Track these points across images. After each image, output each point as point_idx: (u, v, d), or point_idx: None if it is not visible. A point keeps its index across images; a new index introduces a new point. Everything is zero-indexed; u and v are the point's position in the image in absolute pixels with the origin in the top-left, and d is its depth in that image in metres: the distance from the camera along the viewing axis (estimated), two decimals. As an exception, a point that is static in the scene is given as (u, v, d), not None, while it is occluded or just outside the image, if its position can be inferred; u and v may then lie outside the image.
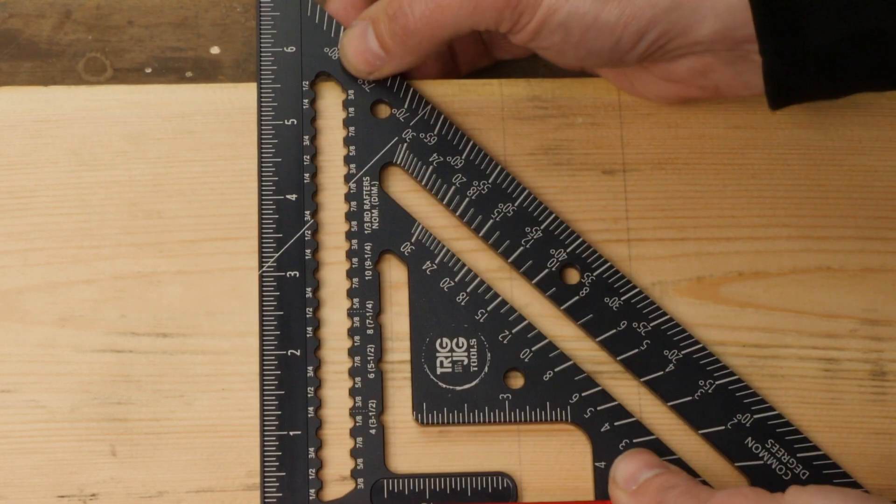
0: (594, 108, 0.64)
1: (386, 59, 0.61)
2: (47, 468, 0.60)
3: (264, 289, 0.61)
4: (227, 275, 0.62)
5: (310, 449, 0.60)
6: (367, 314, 0.61)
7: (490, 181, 0.62)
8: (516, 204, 0.62)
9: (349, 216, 0.62)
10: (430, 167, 0.62)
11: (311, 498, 0.59)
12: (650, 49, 0.59)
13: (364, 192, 0.62)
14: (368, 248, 0.62)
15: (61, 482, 0.60)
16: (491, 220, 0.62)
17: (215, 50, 0.68)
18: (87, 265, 0.62)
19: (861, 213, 0.63)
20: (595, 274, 0.62)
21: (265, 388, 0.60)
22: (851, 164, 0.64)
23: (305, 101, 0.63)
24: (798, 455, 0.60)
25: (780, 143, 0.64)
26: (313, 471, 0.59)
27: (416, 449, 0.60)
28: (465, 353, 0.61)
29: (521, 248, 0.62)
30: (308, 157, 0.62)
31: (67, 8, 0.69)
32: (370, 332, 0.61)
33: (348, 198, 0.62)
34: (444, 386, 0.60)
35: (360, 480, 0.60)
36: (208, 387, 0.61)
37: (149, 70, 0.67)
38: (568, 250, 0.62)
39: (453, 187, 0.62)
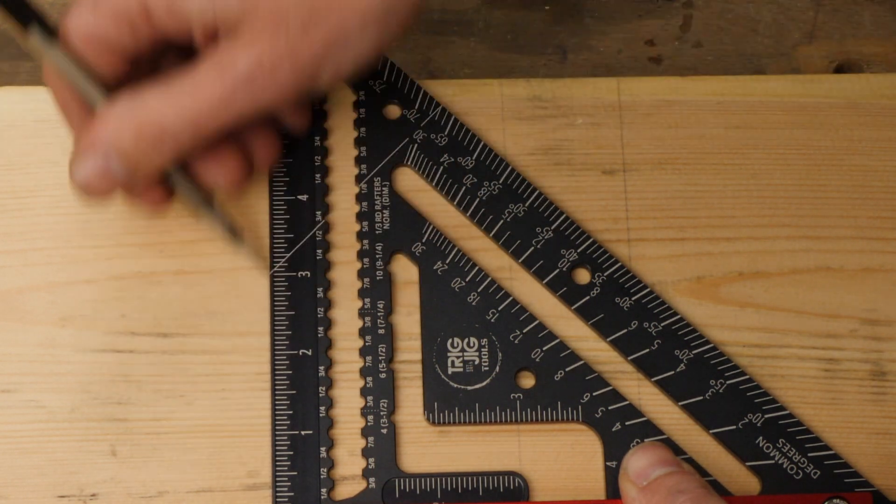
0: (594, 108, 0.64)
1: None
2: (47, 468, 0.60)
3: (276, 289, 0.61)
4: (227, 275, 0.62)
5: (321, 448, 0.60)
6: (379, 314, 0.61)
7: (500, 182, 0.62)
8: (527, 204, 0.62)
9: (360, 216, 0.62)
10: (441, 167, 0.62)
11: (322, 497, 0.59)
12: None
13: (375, 193, 0.62)
14: (380, 248, 0.62)
15: (61, 482, 0.59)
16: (501, 221, 0.62)
17: (215, 50, 0.68)
18: (87, 265, 0.62)
19: (861, 213, 0.63)
20: (606, 274, 0.62)
21: (277, 387, 0.60)
22: (851, 164, 0.64)
23: (316, 101, 0.63)
24: (809, 455, 0.60)
25: (780, 143, 0.64)
26: (325, 470, 0.59)
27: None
28: (477, 353, 0.61)
29: (532, 248, 0.62)
30: (319, 157, 0.62)
31: (67, 8, 0.69)
32: (381, 331, 0.61)
33: (359, 198, 0.62)
34: (455, 386, 0.60)
35: (372, 480, 0.60)
36: (208, 387, 0.61)
37: (149, 70, 0.67)
38: (578, 250, 0.62)
39: (464, 188, 0.62)
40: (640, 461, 0.58)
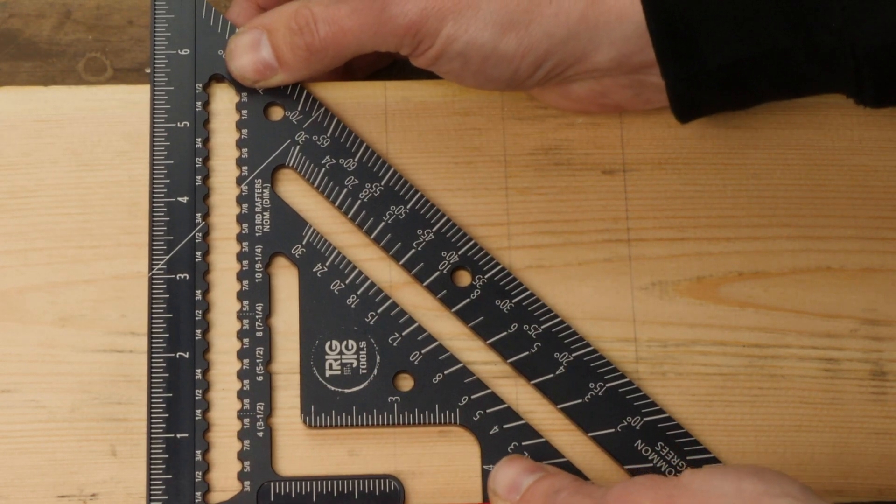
0: (594, 108, 0.64)
1: (278, 70, 0.61)
2: (47, 468, 0.60)
3: (154, 291, 0.60)
4: (225, 274, 0.62)
5: (197, 452, 0.59)
6: (257, 317, 0.61)
7: (382, 183, 0.62)
8: (408, 206, 0.62)
9: (240, 218, 0.61)
10: (323, 169, 0.62)
11: (197, 501, 0.58)
12: (548, 76, 0.60)
13: (256, 195, 0.62)
14: (259, 250, 0.61)
15: (61, 482, 0.59)
16: (383, 223, 0.61)
17: (215, 50, 0.68)
18: (87, 265, 0.62)
19: (861, 213, 0.63)
20: (486, 276, 0.61)
21: (153, 390, 0.59)
22: (851, 164, 0.64)
23: (198, 103, 0.62)
24: (688, 458, 0.60)
25: (780, 143, 0.64)
26: (200, 473, 0.59)
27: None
28: (355, 356, 0.60)
29: (413, 250, 0.61)
30: (200, 159, 0.62)
31: (67, 8, 0.69)
32: (259, 334, 0.60)
33: (240, 200, 0.62)
34: (332, 388, 0.60)
35: (247, 483, 0.59)
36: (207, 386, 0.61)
37: (149, 70, 0.67)
38: (459, 252, 0.61)
39: (345, 189, 0.62)
40: (506, 474, 0.58)
